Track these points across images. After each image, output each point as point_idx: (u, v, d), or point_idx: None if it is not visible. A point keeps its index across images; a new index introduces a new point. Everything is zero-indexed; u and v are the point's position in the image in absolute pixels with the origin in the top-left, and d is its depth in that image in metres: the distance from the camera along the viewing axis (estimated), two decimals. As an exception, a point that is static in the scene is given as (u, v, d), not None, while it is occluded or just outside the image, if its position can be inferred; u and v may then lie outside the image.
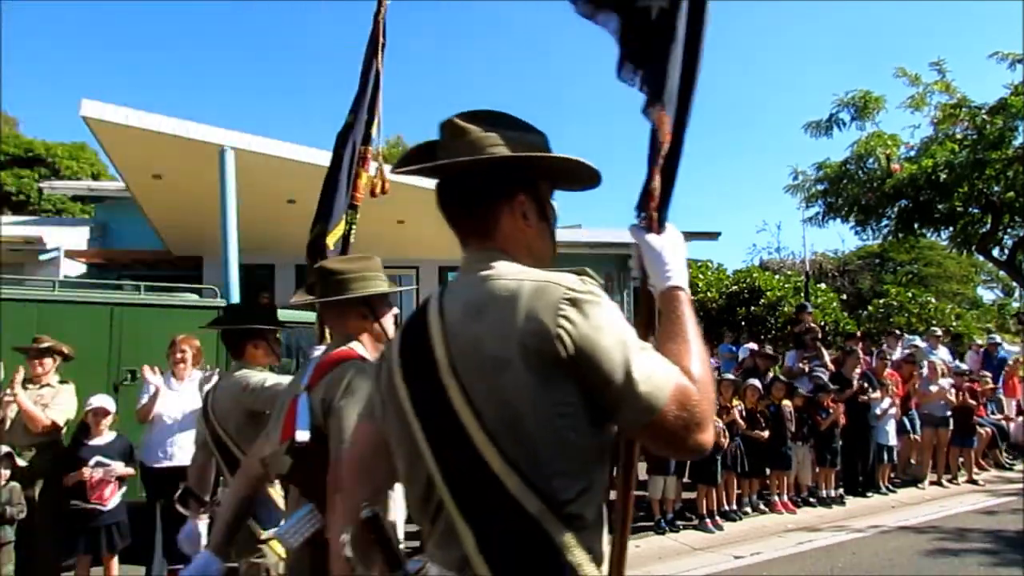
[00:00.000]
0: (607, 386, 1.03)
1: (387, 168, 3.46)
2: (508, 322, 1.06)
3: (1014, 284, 20.16)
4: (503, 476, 1.04)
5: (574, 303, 1.05)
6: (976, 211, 11.04)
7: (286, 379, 2.69)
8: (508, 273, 1.14)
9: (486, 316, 1.09)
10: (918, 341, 10.47)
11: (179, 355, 4.56)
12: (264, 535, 2.61)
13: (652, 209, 1.40)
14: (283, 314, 7.32)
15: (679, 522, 6.38)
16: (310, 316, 6.64)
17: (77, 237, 13.21)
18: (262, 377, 2.73)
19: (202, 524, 1.96)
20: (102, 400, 4.45)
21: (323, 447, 1.82)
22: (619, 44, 1.53)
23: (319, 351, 2.62)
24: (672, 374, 1.06)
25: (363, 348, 2.04)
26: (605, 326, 1.05)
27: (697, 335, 1.18)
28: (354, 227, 3.25)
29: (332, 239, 3.13)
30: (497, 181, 1.21)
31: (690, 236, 15.25)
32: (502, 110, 1.25)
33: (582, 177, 1.30)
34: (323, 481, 1.75)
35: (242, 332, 2.92)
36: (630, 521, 1.43)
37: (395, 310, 2.22)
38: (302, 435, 1.85)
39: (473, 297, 1.13)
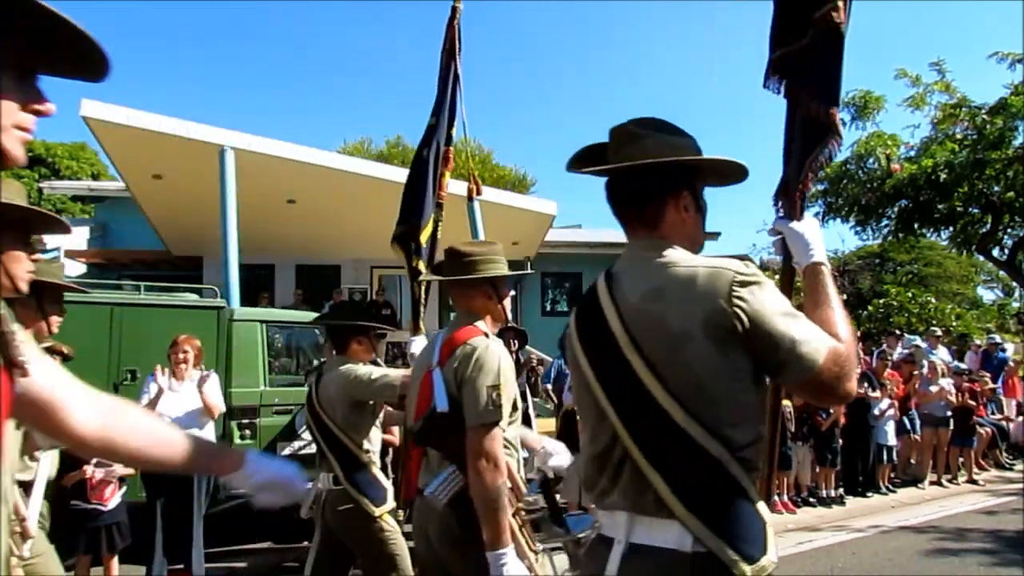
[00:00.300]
0: (775, 351, 1.25)
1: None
2: (689, 302, 1.27)
3: (1014, 284, 20.16)
4: (687, 427, 1.25)
5: (744, 284, 1.26)
6: (976, 211, 11.05)
7: (393, 372, 2.96)
8: (682, 260, 1.34)
9: (666, 298, 1.29)
10: (918, 341, 10.47)
11: (182, 355, 4.57)
12: (377, 512, 2.84)
13: (798, 199, 1.68)
14: (282, 314, 7.32)
15: (679, 522, 6.37)
16: (310, 316, 6.63)
17: (77, 237, 13.21)
18: (368, 370, 2.92)
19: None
20: (103, 400, 4.45)
21: (459, 415, 2.03)
22: (771, 55, 1.83)
23: (416, 342, 3.06)
24: (825, 337, 1.28)
25: (485, 325, 2.24)
26: (770, 301, 1.27)
27: (839, 302, 1.42)
28: (440, 223, 3.42)
29: (424, 236, 3.30)
30: (667, 180, 1.42)
31: (690, 236, 15.24)
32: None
33: (733, 174, 1.53)
34: (462, 445, 2.00)
35: (350, 328, 3.08)
36: (777, 455, 1.81)
37: (512, 292, 2.43)
38: (441, 406, 2.06)
39: (651, 282, 1.33)
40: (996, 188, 10.29)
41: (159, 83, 53.03)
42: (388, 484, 2.99)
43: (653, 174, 1.40)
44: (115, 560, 4.35)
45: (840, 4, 1.71)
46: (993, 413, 10.00)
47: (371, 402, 2.96)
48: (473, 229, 10.11)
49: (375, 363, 3.22)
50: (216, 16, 54.99)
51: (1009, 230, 11.28)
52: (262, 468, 1.38)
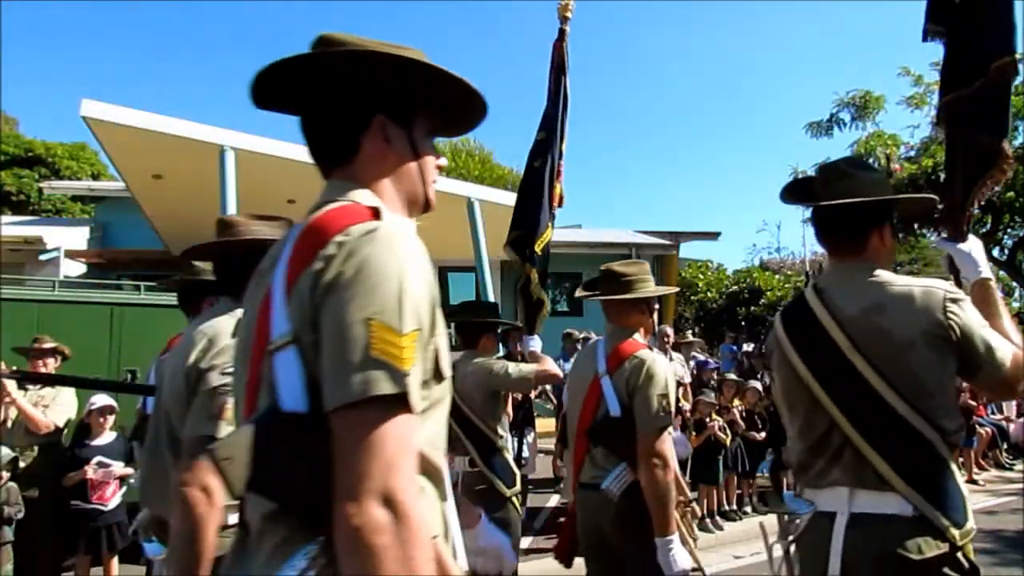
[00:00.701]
0: (976, 356, 1.55)
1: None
2: (910, 316, 1.56)
3: (1014, 284, 20.14)
4: (907, 416, 1.53)
5: (954, 301, 1.56)
6: (976, 211, 11.01)
7: (525, 367, 3.28)
8: (894, 280, 1.64)
9: (888, 311, 1.58)
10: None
11: (174, 355, 4.56)
12: (508, 493, 3.12)
13: (965, 223, 1.99)
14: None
15: (679, 522, 6.37)
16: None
17: (77, 237, 13.21)
18: (502, 364, 3.24)
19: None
20: (105, 399, 4.45)
21: (630, 419, 2.33)
22: (940, 97, 2.15)
23: (533, 341, 3.41)
24: (1008, 345, 1.60)
25: (641, 338, 2.52)
26: (973, 315, 1.57)
27: (1007, 312, 1.75)
28: (553, 231, 3.71)
29: (540, 245, 3.54)
30: (876, 214, 1.72)
31: (690, 236, 15.24)
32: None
33: (921, 206, 1.95)
34: (633, 445, 2.30)
35: (481, 326, 3.38)
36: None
37: (657, 306, 2.73)
38: (614, 411, 2.36)
39: (869, 298, 1.62)
40: (996, 188, 10.29)
41: (159, 83, 53.06)
42: (517, 470, 3.28)
43: (864, 209, 1.69)
44: (115, 560, 4.35)
45: (1015, 58, 1.97)
46: (993, 413, 10.00)
47: (501, 393, 3.30)
48: (473, 229, 10.10)
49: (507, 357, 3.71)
50: (217, 16, 55.01)
51: (1009, 230, 11.28)
52: (489, 535, 1.49)
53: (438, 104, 1.11)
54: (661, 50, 61.51)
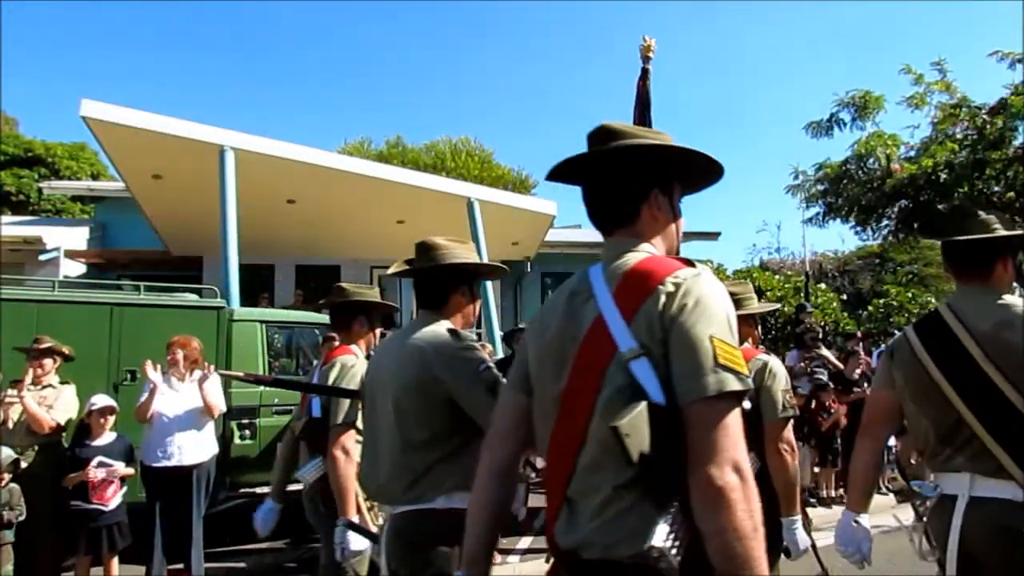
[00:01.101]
0: None
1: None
2: None
3: (1015, 284, 20.12)
4: None
5: None
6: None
7: None
8: (1020, 303, 1.94)
9: (1017, 328, 1.88)
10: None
11: (169, 357, 4.56)
12: None
13: None
14: (282, 314, 7.29)
15: (679, 522, 6.37)
16: (309, 316, 6.67)
17: (77, 237, 13.20)
18: None
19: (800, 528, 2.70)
20: (106, 399, 4.45)
21: (757, 412, 2.62)
22: None
23: None
24: None
25: (750, 346, 2.88)
26: None
27: None
28: None
29: None
30: (1004, 247, 2.03)
31: (690, 236, 15.22)
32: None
33: None
34: (759, 436, 2.58)
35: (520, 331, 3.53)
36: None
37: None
38: (746, 405, 2.52)
39: (999, 316, 1.93)
40: (996, 188, 10.26)
41: (159, 83, 53.05)
42: None
43: (994, 242, 2.01)
44: (115, 560, 4.35)
45: None
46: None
47: None
48: (473, 229, 10.10)
49: None
50: (216, 16, 55.00)
51: (1009, 230, 11.27)
52: None
53: (688, 173, 1.38)
54: (660, 49, 61.48)
